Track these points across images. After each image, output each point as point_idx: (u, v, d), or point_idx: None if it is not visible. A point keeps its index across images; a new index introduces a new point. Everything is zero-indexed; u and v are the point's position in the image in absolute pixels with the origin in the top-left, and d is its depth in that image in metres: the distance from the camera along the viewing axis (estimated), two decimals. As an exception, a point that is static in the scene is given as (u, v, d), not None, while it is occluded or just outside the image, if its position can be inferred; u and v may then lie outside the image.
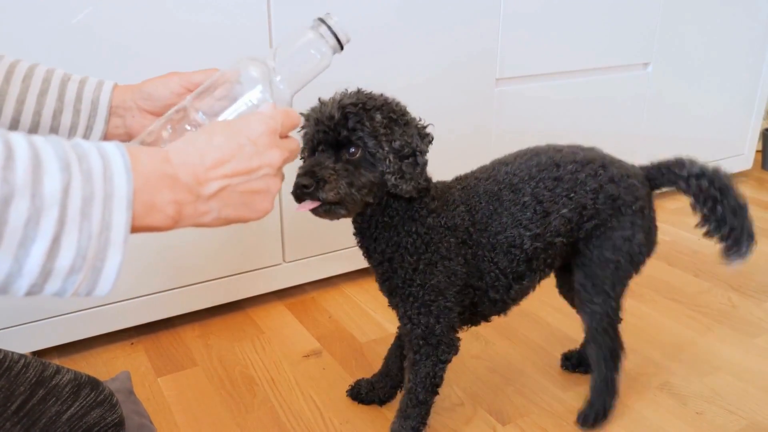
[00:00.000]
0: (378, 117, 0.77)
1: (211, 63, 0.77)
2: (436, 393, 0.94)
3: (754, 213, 0.91)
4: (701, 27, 1.84)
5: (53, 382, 0.68)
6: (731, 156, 2.13)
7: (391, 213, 0.84)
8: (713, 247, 0.94)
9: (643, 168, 0.99)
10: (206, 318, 1.36)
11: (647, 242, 0.95)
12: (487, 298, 0.93)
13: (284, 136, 0.59)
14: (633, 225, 0.93)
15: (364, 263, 0.91)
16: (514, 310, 1.37)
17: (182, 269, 1.26)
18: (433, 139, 0.84)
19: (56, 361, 0.99)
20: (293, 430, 1.03)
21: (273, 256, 1.36)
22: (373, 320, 1.35)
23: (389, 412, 1.07)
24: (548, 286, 1.47)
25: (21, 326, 1.15)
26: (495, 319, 1.33)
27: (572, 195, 0.91)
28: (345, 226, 0.90)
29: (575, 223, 0.92)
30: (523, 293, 0.97)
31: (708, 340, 1.28)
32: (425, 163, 0.82)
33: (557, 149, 0.96)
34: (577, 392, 1.12)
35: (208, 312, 1.36)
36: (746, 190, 2.09)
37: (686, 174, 0.94)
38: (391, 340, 1.08)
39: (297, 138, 0.62)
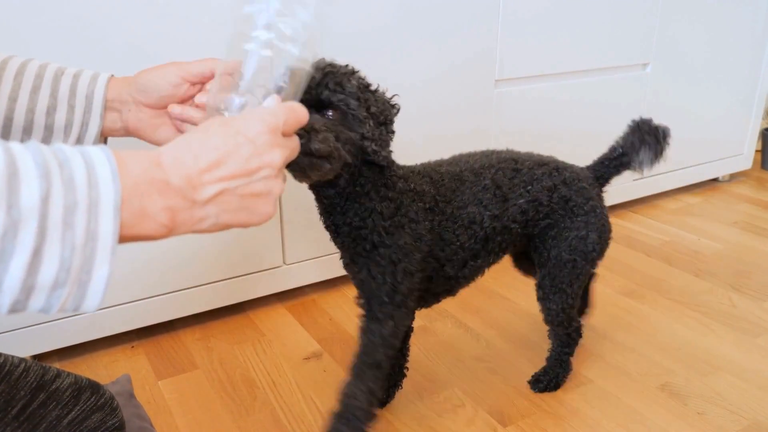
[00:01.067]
0: (354, 82, 0.78)
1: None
2: (391, 357, 0.91)
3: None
4: (700, 27, 1.84)
5: (53, 386, 0.68)
6: (731, 156, 2.13)
7: (363, 182, 0.83)
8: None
9: (590, 168, 1.08)
10: (207, 321, 1.36)
11: (600, 240, 1.03)
12: (443, 274, 0.95)
13: (288, 134, 0.55)
14: (586, 225, 1.01)
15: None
16: (516, 312, 1.38)
17: (183, 272, 1.26)
18: (400, 109, 0.85)
19: (56, 365, 0.99)
20: (294, 432, 1.03)
21: (273, 259, 1.36)
22: (373, 322, 1.35)
23: (389, 413, 1.07)
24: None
25: (21, 330, 1.15)
26: (496, 319, 1.35)
27: (529, 188, 0.98)
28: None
29: (530, 217, 0.99)
30: (474, 274, 1.00)
31: (708, 340, 1.28)
32: (394, 133, 0.84)
33: (514, 151, 1.04)
34: (578, 393, 1.12)
35: (209, 315, 1.36)
36: (746, 190, 2.10)
37: (620, 151, 1.05)
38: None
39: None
